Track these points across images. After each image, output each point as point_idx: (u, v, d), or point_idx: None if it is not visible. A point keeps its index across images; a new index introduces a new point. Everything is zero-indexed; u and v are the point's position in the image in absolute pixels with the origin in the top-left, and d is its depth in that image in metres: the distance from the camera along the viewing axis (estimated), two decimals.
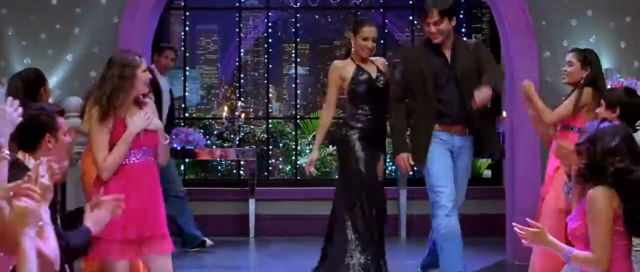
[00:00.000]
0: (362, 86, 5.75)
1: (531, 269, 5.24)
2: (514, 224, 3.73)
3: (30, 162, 3.54)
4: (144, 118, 4.35)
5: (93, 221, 3.55)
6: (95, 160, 4.36)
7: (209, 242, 7.82)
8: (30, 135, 3.61)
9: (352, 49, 5.82)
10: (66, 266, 3.58)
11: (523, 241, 3.63)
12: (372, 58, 5.86)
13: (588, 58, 5.67)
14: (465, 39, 6.56)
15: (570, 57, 5.76)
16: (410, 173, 5.57)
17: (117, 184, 4.30)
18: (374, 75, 5.80)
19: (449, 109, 5.43)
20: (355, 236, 5.71)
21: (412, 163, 5.56)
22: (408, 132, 5.77)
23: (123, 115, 4.35)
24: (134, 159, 4.37)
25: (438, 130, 5.43)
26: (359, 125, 5.77)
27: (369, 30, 5.73)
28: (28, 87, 5.39)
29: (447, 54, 5.45)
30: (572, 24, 7.25)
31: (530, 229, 3.60)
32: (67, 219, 3.83)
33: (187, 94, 10.73)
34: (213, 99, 11.42)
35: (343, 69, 5.82)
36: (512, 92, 7.18)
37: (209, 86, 11.46)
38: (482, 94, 5.31)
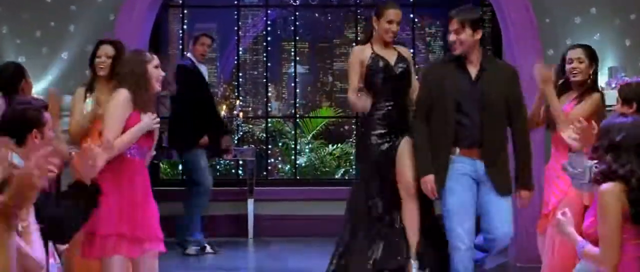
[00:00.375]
0: (379, 75, 5.26)
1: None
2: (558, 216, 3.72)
3: (14, 158, 3.43)
4: (153, 119, 4.39)
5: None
6: (106, 135, 4.24)
7: (209, 249, 7.65)
8: (17, 130, 3.53)
9: (374, 33, 5.33)
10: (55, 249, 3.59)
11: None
12: (397, 46, 5.41)
13: (594, 55, 5.46)
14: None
15: (579, 53, 5.47)
16: (435, 197, 5.01)
17: (113, 174, 4.22)
18: (392, 62, 5.29)
19: (469, 131, 4.85)
20: (347, 240, 5.38)
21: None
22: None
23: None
24: (133, 151, 4.36)
25: (459, 156, 4.85)
26: (378, 119, 5.26)
27: (394, 13, 5.27)
28: (8, 81, 5.26)
29: (473, 71, 4.87)
30: (576, 22, 7.11)
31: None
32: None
33: None
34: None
35: (362, 53, 5.33)
36: None
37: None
38: (525, 202, 5.02)
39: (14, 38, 7.20)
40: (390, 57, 5.31)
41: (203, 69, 7.76)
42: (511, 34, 7.12)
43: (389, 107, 5.26)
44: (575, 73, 5.22)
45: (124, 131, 4.30)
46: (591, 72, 5.33)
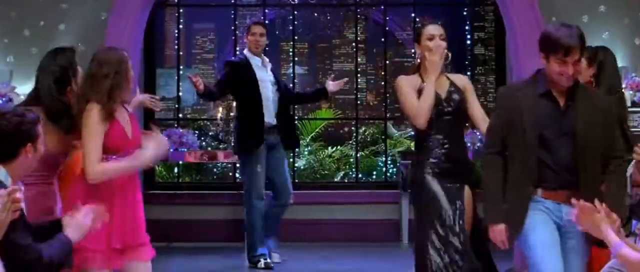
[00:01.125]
0: (431, 110, 4.43)
1: None
2: (573, 200, 3.45)
3: (1, 174, 3.26)
4: (162, 145, 4.19)
5: (73, 228, 3.36)
6: (85, 159, 3.97)
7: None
8: (10, 145, 3.30)
9: (421, 63, 4.51)
10: None
11: (575, 220, 3.40)
12: (449, 74, 4.58)
13: (598, 57, 5.09)
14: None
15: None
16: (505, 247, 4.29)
17: (103, 192, 3.98)
18: (443, 95, 4.44)
19: (555, 171, 3.94)
20: None
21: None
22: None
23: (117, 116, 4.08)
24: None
25: (541, 198, 3.98)
26: (433, 161, 4.42)
27: (434, 28, 4.53)
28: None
29: (561, 99, 3.95)
30: (583, 21, 6.79)
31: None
32: (40, 232, 3.39)
33: (183, 94, 10.39)
34: None
35: (410, 82, 4.49)
36: None
37: (205, 86, 10.95)
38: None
39: (2, 37, 6.89)
40: (442, 88, 4.47)
41: (256, 61, 6.85)
42: (516, 34, 6.81)
43: (446, 147, 4.42)
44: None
45: (113, 142, 4.01)
46: (592, 74, 5.02)
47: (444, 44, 4.46)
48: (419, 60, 4.53)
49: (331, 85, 7.00)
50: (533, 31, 6.72)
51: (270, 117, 6.76)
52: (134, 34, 6.86)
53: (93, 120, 4.00)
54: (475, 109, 4.53)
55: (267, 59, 6.98)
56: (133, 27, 6.83)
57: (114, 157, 4.02)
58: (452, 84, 4.50)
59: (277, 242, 7.07)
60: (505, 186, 3.98)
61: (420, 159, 4.49)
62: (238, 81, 6.76)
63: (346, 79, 7.27)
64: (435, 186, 4.40)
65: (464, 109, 4.51)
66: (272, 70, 6.99)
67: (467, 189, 4.43)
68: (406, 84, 4.48)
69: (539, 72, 3.98)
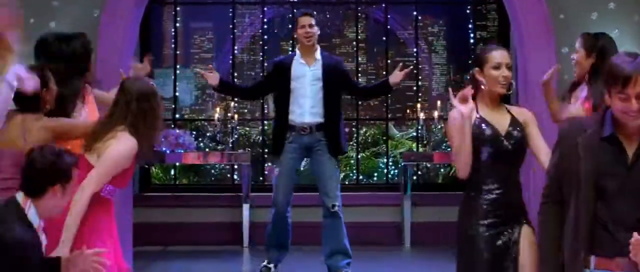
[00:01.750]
0: (486, 148, 3.81)
1: None
2: (635, 235, 2.97)
3: (30, 210, 3.22)
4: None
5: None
6: (88, 183, 3.70)
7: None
8: (39, 180, 3.26)
9: (480, 90, 3.91)
10: None
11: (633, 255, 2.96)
12: (510, 107, 3.99)
13: (597, 44, 4.78)
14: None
15: (578, 42, 4.95)
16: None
17: (106, 222, 3.89)
18: (502, 131, 3.83)
19: (612, 234, 3.21)
20: None
21: None
22: None
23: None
24: (109, 190, 3.90)
25: (594, 270, 3.25)
26: (486, 205, 3.82)
27: (501, 55, 3.88)
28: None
29: (630, 146, 3.22)
30: (592, 18, 6.51)
31: None
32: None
33: (180, 94, 10.09)
34: (208, 99, 10.64)
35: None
36: (525, 92, 6.46)
37: (203, 86, 10.67)
38: None
39: None
40: (502, 122, 3.86)
41: (298, 57, 6.18)
42: (523, 31, 6.52)
43: (499, 192, 3.81)
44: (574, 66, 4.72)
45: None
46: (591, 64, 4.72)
47: (510, 74, 3.88)
48: (479, 86, 3.90)
49: (396, 76, 6.13)
50: (540, 28, 6.46)
51: (302, 115, 6.12)
52: (128, 32, 6.56)
53: (124, 148, 3.76)
54: (538, 141, 3.89)
55: (318, 52, 6.23)
56: (127, 25, 6.53)
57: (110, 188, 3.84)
58: (513, 118, 3.89)
59: (343, 259, 6.23)
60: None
61: (471, 204, 3.86)
62: (273, 80, 6.31)
63: (411, 67, 6.50)
64: (483, 244, 3.80)
65: (525, 145, 3.90)
66: (330, 65, 6.20)
67: (525, 229, 3.85)
68: (456, 125, 3.78)
69: (608, 110, 3.24)
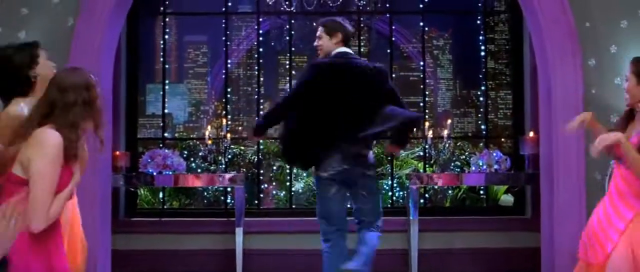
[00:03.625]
0: None
1: None
2: None
3: None
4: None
5: None
6: (36, 207, 3.07)
7: None
8: None
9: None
10: None
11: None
12: None
13: None
14: None
15: (627, 69, 4.12)
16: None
17: (57, 238, 3.28)
18: None
19: None
20: None
21: None
22: None
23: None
24: None
25: None
26: None
27: None
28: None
29: None
30: (622, 26, 5.67)
31: None
32: None
33: (175, 111, 9.24)
34: (202, 116, 9.81)
35: None
36: (549, 108, 5.62)
37: (197, 102, 9.85)
38: None
39: None
40: None
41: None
42: (545, 43, 5.67)
43: None
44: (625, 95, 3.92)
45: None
46: None
47: None
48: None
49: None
50: (565, 39, 5.60)
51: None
52: (106, 43, 5.72)
53: (51, 157, 3.11)
54: None
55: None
56: (105, 35, 5.69)
57: None
58: None
59: None
60: None
61: None
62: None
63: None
64: None
65: None
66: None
67: None
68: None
69: None
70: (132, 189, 7.51)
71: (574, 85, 5.52)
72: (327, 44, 5.27)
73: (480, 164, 7.00)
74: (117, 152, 7.06)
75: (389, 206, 7.79)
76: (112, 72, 6.06)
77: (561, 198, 5.62)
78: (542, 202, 6.10)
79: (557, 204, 5.63)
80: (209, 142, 7.29)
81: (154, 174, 6.91)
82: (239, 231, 6.87)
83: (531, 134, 7.02)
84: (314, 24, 8.80)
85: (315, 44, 5.35)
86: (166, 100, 7.92)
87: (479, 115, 8.72)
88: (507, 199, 8.24)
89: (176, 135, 9.16)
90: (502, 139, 8.23)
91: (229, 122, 8.00)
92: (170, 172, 6.95)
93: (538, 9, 5.65)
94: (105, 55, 5.68)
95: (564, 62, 5.60)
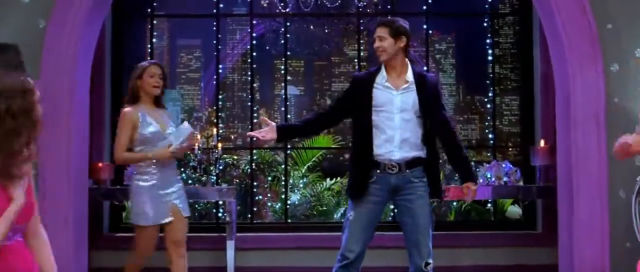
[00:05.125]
0: None
1: None
2: None
3: None
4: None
5: None
6: None
7: None
8: None
9: None
10: None
11: None
12: None
13: None
14: None
15: None
16: None
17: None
18: None
19: None
20: None
21: None
22: None
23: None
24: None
25: None
26: None
27: None
28: None
29: None
30: None
31: None
32: None
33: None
34: (196, 123, 9.22)
35: None
36: (567, 117, 5.03)
37: (190, 108, 9.27)
38: None
39: None
40: None
41: (382, 76, 4.52)
42: (564, 47, 5.07)
43: None
44: None
45: None
46: None
47: None
48: None
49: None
50: (584, 42, 4.99)
51: (388, 149, 4.45)
52: (81, 46, 5.11)
53: None
54: None
55: (409, 73, 4.51)
56: (79, 39, 5.08)
57: None
58: None
59: None
60: None
61: None
62: (352, 102, 4.59)
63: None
64: None
65: None
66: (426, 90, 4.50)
67: None
68: None
69: None
70: (117, 203, 6.90)
71: (594, 93, 4.94)
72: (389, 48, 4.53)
73: (489, 176, 6.41)
74: (100, 164, 6.46)
75: (391, 219, 7.17)
76: (89, 79, 5.45)
77: (581, 215, 5.04)
78: (560, 219, 5.51)
79: (578, 221, 5.05)
80: (198, 151, 6.69)
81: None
82: (231, 247, 6.28)
83: (542, 143, 6.43)
84: (311, 27, 8.24)
85: (376, 44, 4.54)
86: None
87: (484, 122, 8.18)
88: (515, 211, 7.68)
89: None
90: (510, 149, 7.65)
91: (222, 130, 7.40)
92: None
93: (555, 9, 5.05)
94: (81, 61, 5.08)
95: (583, 68, 5.01)
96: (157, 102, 4.98)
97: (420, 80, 4.49)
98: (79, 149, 5.25)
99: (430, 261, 4.52)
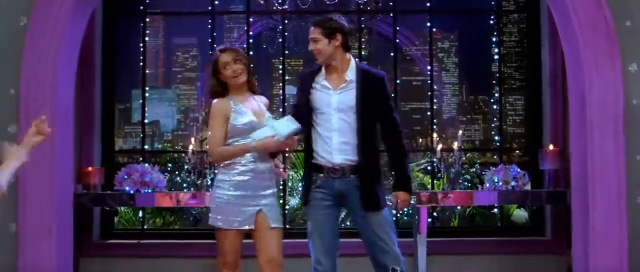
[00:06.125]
0: None
1: None
2: None
3: None
4: None
5: None
6: None
7: None
8: None
9: None
10: None
11: None
12: None
13: None
14: None
15: None
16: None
17: None
18: None
19: None
20: None
21: None
22: None
23: None
24: None
25: None
26: None
27: None
28: None
29: None
30: None
31: None
32: None
33: (163, 118, 8.29)
34: (192, 123, 8.86)
35: None
36: (583, 120, 4.67)
37: (187, 109, 8.91)
38: None
39: None
40: None
41: (321, 76, 4.27)
42: (579, 46, 4.70)
43: None
44: None
45: None
46: None
47: None
48: None
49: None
50: (601, 40, 4.63)
51: (327, 152, 4.18)
52: (65, 45, 4.74)
53: None
54: None
55: (349, 72, 4.22)
56: (63, 37, 4.70)
57: None
58: None
59: None
60: None
61: None
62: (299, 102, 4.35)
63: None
64: None
65: None
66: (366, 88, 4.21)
67: None
68: None
69: None
70: (108, 209, 6.53)
71: (613, 95, 4.59)
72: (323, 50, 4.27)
73: (496, 180, 6.05)
74: (90, 169, 6.10)
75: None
76: (74, 80, 5.08)
77: (598, 224, 4.69)
78: (574, 228, 5.15)
79: (594, 230, 4.69)
80: (192, 155, 6.33)
81: (132, 192, 5.97)
82: None
83: (551, 147, 6.07)
84: (310, 24, 7.86)
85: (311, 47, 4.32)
86: (153, 107, 7.01)
87: (488, 123, 7.84)
88: (521, 214, 7.32)
89: (165, 144, 8.22)
90: (516, 152, 7.29)
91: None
92: (150, 190, 6.01)
93: (570, 6, 4.69)
94: (65, 60, 4.71)
95: (600, 68, 4.65)
96: (251, 88, 4.29)
97: (364, 78, 4.18)
98: (63, 153, 4.87)
99: (398, 268, 4.22)
